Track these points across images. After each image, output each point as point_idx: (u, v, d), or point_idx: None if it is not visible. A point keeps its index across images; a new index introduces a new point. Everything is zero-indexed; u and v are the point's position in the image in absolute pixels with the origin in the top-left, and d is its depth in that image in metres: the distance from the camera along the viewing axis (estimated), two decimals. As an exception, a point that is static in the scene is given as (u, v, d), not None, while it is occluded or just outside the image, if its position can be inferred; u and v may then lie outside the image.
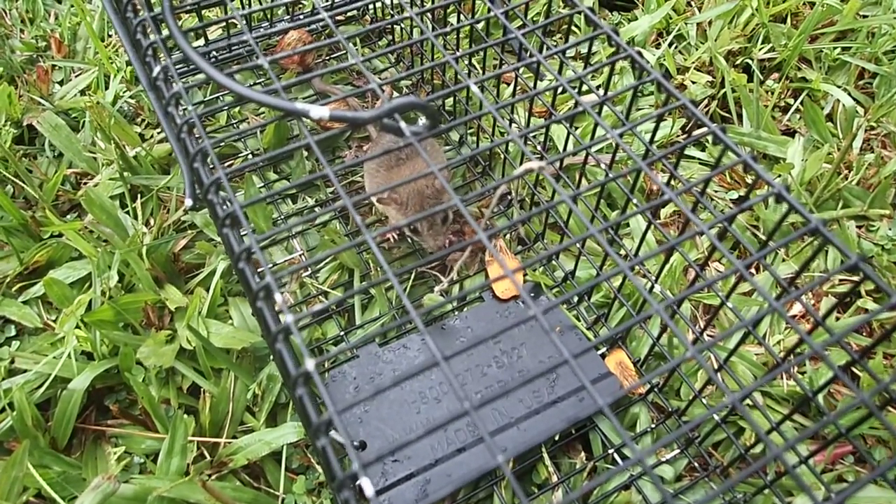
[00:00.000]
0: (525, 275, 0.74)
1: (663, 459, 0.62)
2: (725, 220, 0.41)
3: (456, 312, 0.72)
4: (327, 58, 1.00)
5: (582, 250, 0.71)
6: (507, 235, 0.78)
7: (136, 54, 0.50)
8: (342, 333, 0.70)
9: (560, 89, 0.50)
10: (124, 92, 0.93)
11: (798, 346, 0.48)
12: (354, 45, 1.00)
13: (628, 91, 0.46)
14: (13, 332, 0.72)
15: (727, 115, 0.91)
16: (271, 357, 0.68)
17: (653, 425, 0.64)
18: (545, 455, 0.62)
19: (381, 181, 0.73)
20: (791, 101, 0.92)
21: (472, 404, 0.31)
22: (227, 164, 0.86)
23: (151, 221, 0.80)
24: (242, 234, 0.79)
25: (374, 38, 1.02)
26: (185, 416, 0.65)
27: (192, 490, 0.59)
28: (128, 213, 0.80)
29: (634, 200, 0.55)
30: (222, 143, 0.87)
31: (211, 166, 0.41)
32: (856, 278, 0.74)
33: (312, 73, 0.46)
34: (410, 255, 0.78)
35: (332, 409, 0.32)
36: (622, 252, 0.74)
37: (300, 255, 0.77)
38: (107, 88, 0.93)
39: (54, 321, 0.73)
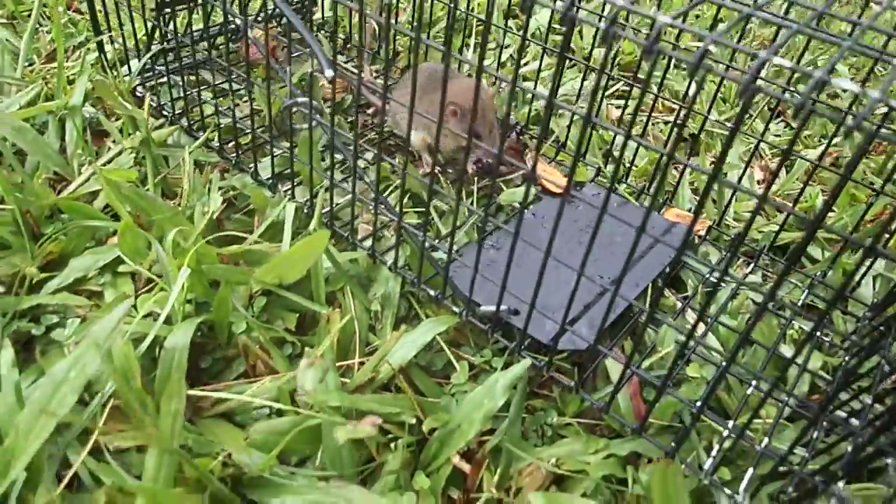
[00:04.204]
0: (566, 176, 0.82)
1: (747, 271, 0.73)
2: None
3: (529, 208, 0.76)
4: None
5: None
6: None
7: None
8: (436, 241, 0.70)
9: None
10: None
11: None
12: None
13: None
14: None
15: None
16: (386, 263, 0.65)
17: (725, 252, 0.75)
18: (664, 288, 0.68)
19: (427, 106, 0.76)
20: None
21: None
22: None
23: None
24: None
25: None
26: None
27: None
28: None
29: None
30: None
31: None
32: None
33: None
34: (455, 181, 0.81)
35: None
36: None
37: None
38: None
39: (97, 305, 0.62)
